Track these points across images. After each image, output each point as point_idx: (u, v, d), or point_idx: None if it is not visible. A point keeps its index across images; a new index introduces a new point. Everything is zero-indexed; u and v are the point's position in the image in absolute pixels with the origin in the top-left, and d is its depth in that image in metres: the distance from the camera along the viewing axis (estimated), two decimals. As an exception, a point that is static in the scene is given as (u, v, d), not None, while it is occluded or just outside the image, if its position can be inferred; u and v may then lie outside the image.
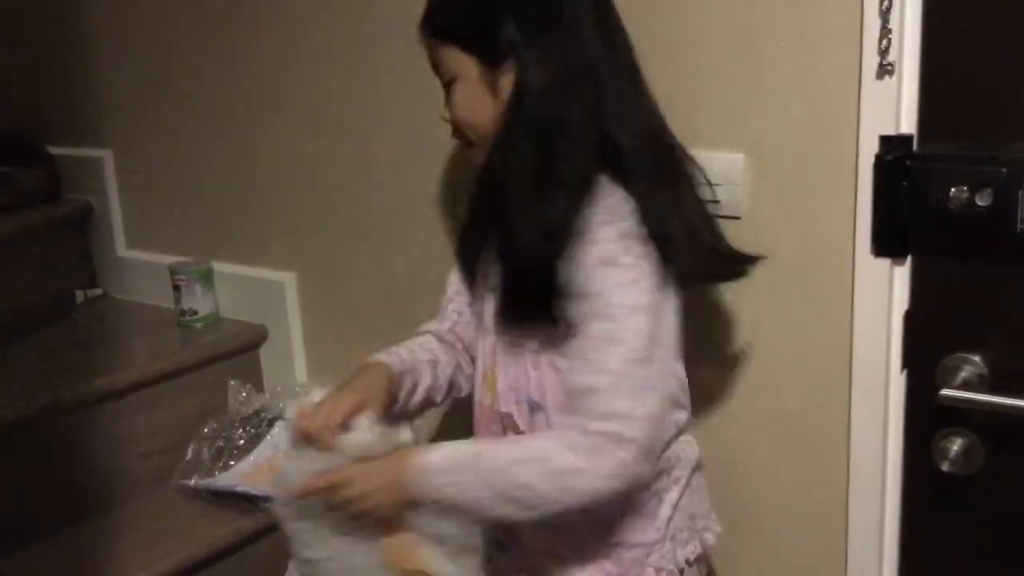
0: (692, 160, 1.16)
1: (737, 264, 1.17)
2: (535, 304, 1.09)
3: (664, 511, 1.16)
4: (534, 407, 1.14)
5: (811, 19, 1.18)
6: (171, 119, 1.98)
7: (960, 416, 1.17)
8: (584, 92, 1.09)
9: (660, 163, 1.12)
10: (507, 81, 1.11)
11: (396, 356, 1.22)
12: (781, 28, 1.21)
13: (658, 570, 1.17)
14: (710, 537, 1.22)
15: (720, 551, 1.29)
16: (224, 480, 1.68)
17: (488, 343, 1.20)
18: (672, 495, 1.17)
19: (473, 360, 1.27)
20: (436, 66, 1.17)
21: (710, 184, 1.19)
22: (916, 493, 1.24)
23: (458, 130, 1.18)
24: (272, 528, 1.62)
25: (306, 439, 1.09)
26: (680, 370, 1.16)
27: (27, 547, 1.55)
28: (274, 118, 1.80)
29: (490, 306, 1.18)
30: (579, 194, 1.06)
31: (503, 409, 1.17)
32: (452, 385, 1.28)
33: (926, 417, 1.20)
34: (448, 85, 1.15)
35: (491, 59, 1.11)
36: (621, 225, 1.06)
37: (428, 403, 1.25)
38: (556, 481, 1.03)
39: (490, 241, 1.18)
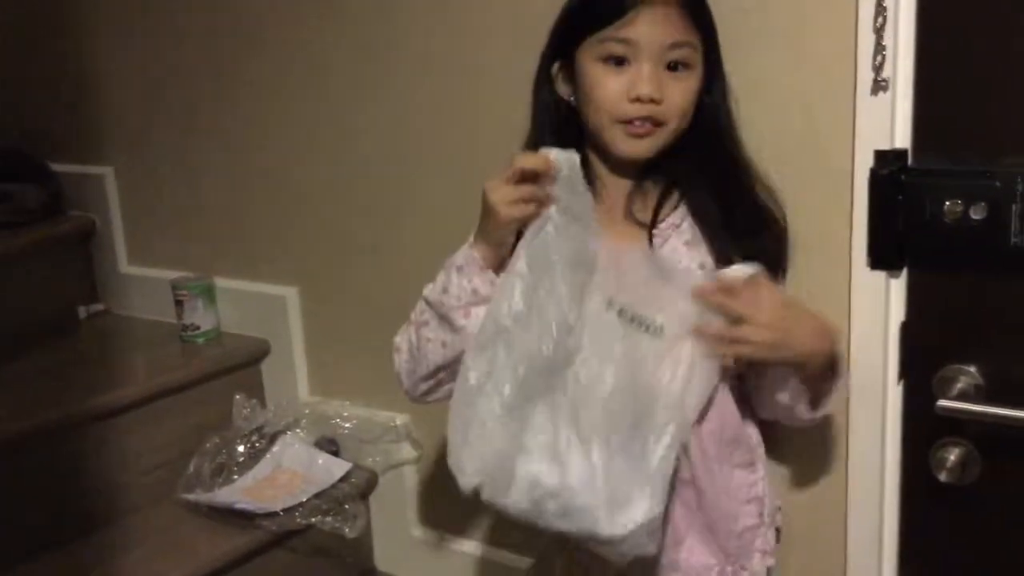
0: None
1: None
2: None
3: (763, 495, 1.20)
4: None
5: (808, 36, 1.21)
6: (172, 136, 1.99)
7: (957, 426, 1.19)
8: None
9: None
10: (699, 91, 1.14)
11: None
12: (778, 45, 1.23)
13: (763, 553, 1.20)
14: (779, 518, 1.24)
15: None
16: (224, 495, 1.69)
17: None
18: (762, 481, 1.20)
19: None
20: (673, 46, 1.10)
21: None
22: (914, 503, 1.26)
23: (660, 112, 1.11)
24: (270, 545, 1.64)
25: None
26: None
27: (30, 563, 1.55)
28: (274, 133, 1.82)
29: None
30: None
31: None
32: None
33: (923, 427, 1.22)
34: (674, 68, 1.11)
35: (708, 65, 1.14)
36: None
37: None
38: None
39: None
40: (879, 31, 1.14)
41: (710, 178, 1.15)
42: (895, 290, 1.21)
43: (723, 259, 1.12)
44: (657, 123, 1.11)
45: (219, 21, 1.84)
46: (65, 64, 2.14)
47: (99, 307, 2.16)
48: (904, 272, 1.20)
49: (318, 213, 1.80)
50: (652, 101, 1.09)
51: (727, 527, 1.17)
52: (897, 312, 1.21)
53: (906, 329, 1.22)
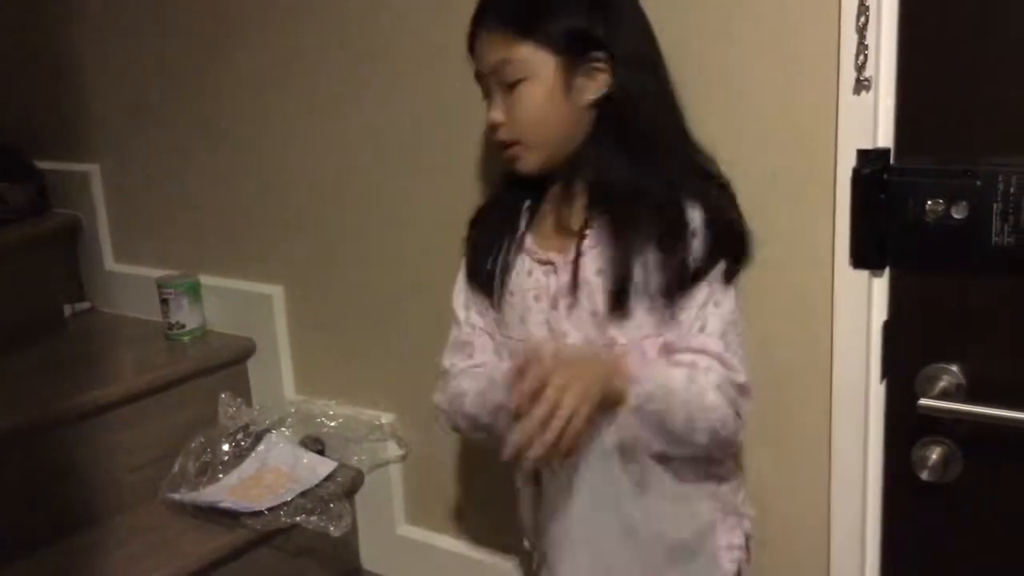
0: None
1: None
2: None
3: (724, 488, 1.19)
4: None
5: (790, 35, 1.21)
6: (159, 133, 1.99)
7: (939, 425, 1.19)
8: (676, 99, 1.13)
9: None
10: (590, 82, 1.08)
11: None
12: (760, 43, 1.23)
13: (729, 547, 1.20)
14: (748, 524, 1.23)
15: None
16: (209, 494, 1.69)
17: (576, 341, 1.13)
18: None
19: None
20: (498, 67, 1.09)
21: None
22: (896, 501, 1.26)
23: (511, 132, 1.11)
24: (255, 544, 1.64)
25: None
26: None
27: (15, 562, 1.54)
28: (262, 132, 1.81)
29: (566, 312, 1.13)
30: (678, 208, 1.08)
31: None
32: None
33: (905, 426, 1.22)
34: (512, 85, 1.09)
35: (574, 56, 1.08)
36: None
37: None
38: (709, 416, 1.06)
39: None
40: (862, 30, 1.14)
41: (615, 167, 1.09)
42: (877, 289, 1.21)
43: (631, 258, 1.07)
44: (515, 142, 1.11)
45: (207, 18, 1.84)
46: (51, 61, 2.13)
47: (85, 305, 2.15)
48: (886, 271, 1.20)
49: (304, 212, 1.79)
50: (497, 125, 1.11)
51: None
52: (879, 311, 1.21)
53: (888, 328, 1.22)
